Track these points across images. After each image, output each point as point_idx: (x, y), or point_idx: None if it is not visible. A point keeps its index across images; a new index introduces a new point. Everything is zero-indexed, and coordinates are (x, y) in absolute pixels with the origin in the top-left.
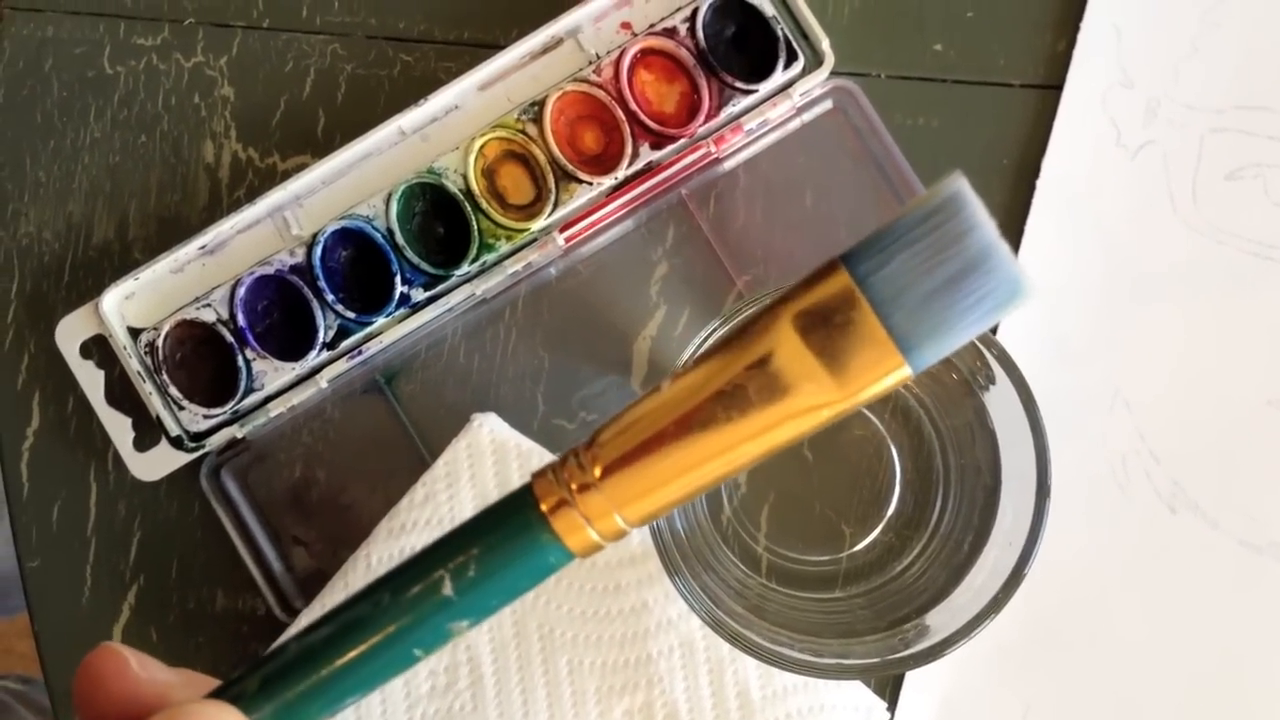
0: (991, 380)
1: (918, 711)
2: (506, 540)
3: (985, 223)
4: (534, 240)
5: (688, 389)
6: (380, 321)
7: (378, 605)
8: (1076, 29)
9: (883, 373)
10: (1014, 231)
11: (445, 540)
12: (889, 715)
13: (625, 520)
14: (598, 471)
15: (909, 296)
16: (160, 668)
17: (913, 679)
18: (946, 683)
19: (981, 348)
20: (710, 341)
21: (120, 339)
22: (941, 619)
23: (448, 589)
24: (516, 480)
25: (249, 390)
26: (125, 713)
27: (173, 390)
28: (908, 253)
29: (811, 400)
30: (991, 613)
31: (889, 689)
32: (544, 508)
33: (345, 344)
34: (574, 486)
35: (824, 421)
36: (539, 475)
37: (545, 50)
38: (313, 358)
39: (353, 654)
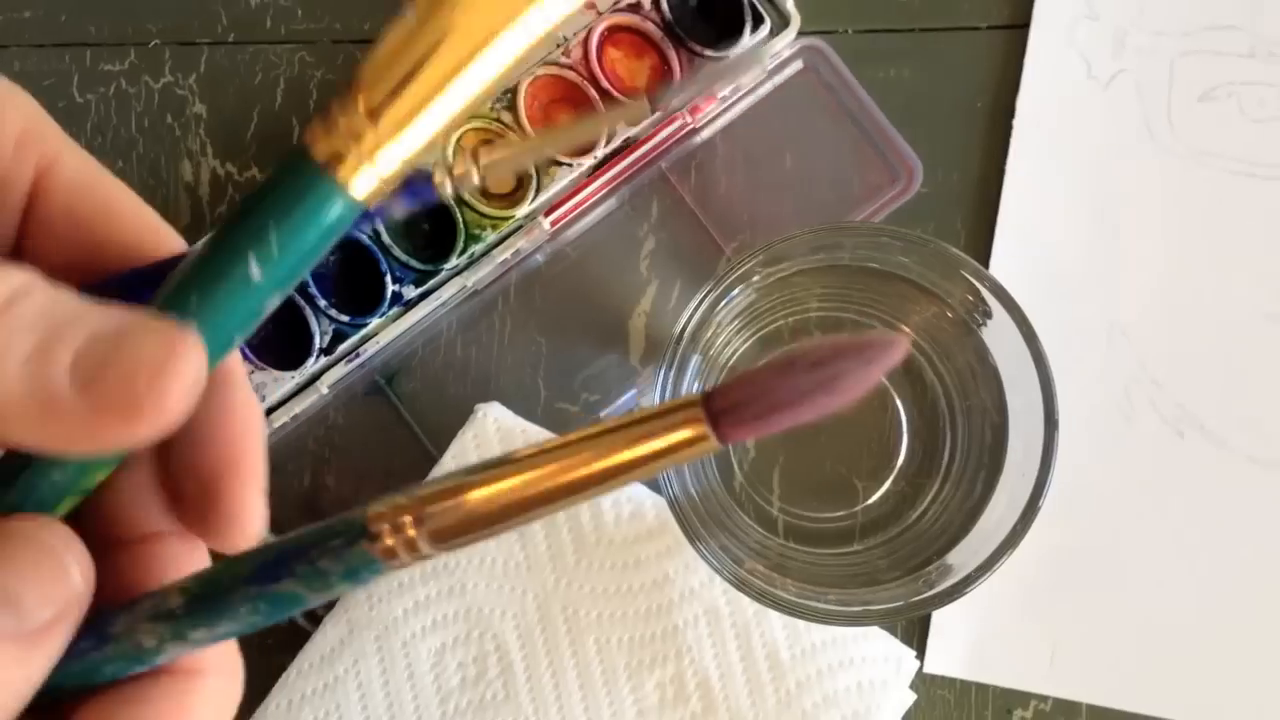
0: (988, 315)
1: (946, 658)
2: (297, 206)
3: None
4: (520, 227)
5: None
6: (375, 322)
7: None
8: None
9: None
10: (995, 172)
11: (236, 222)
12: (918, 663)
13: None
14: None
15: None
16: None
17: (939, 626)
18: (973, 628)
19: (979, 285)
20: (706, 303)
21: None
22: (962, 558)
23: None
24: None
25: None
26: None
27: None
28: None
29: None
30: (1010, 546)
31: (916, 638)
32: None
33: (342, 348)
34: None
35: None
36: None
37: None
38: (311, 365)
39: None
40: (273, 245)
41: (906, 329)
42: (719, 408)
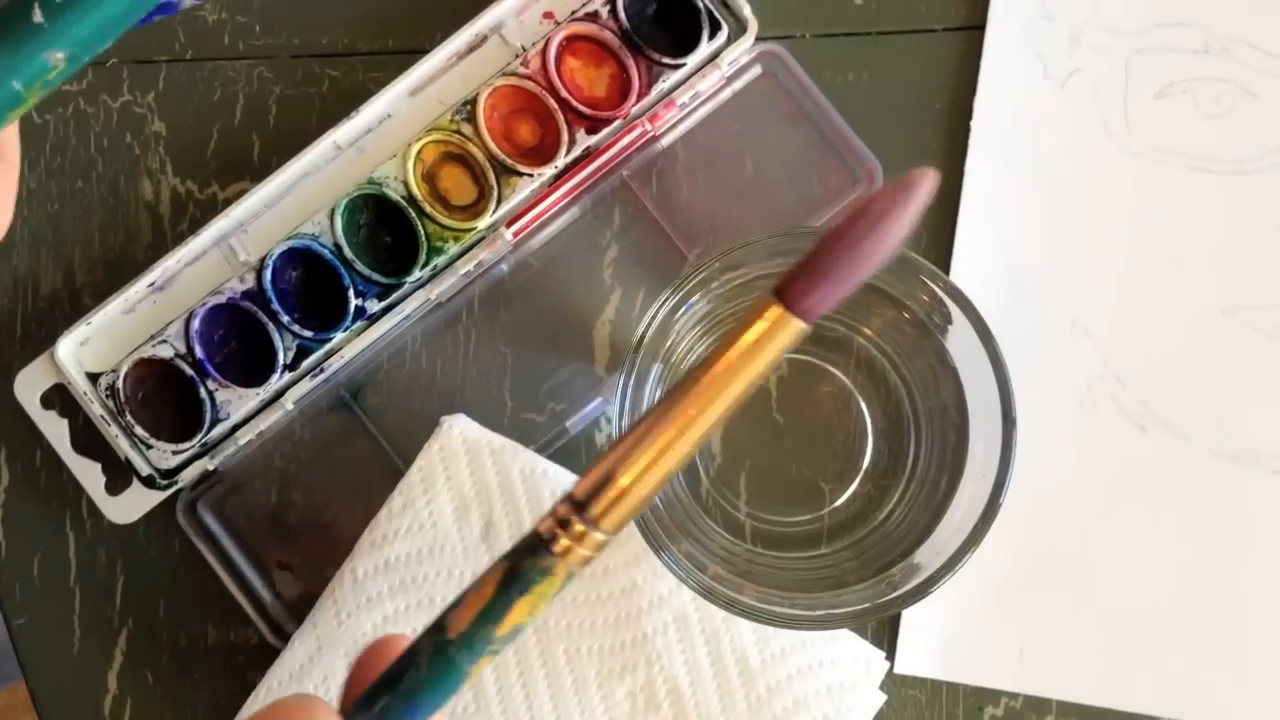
0: (948, 319)
1: (917, 658)
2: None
3: None
4: (482, 238)
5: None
6: (338, 337)
7: None
8: None
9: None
10: (955, 173)
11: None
12: (888, 664)
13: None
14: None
15: None
16: None
17: (909, 627)
18: (943, 628)
19: (935, 288)
20: (664, 311)
21: (80, 385)
22: (926, 557)
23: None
24: (493, 477)
25: (215, 421)
26: None
27: (138, 430)
28: None
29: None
30: (973, 545)
31: (886, 638)
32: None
33: (306, 363)
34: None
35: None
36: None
37: (471, 49)
38: (275, 381)
39: None
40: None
41: (869, 331)
42: (791, 296)
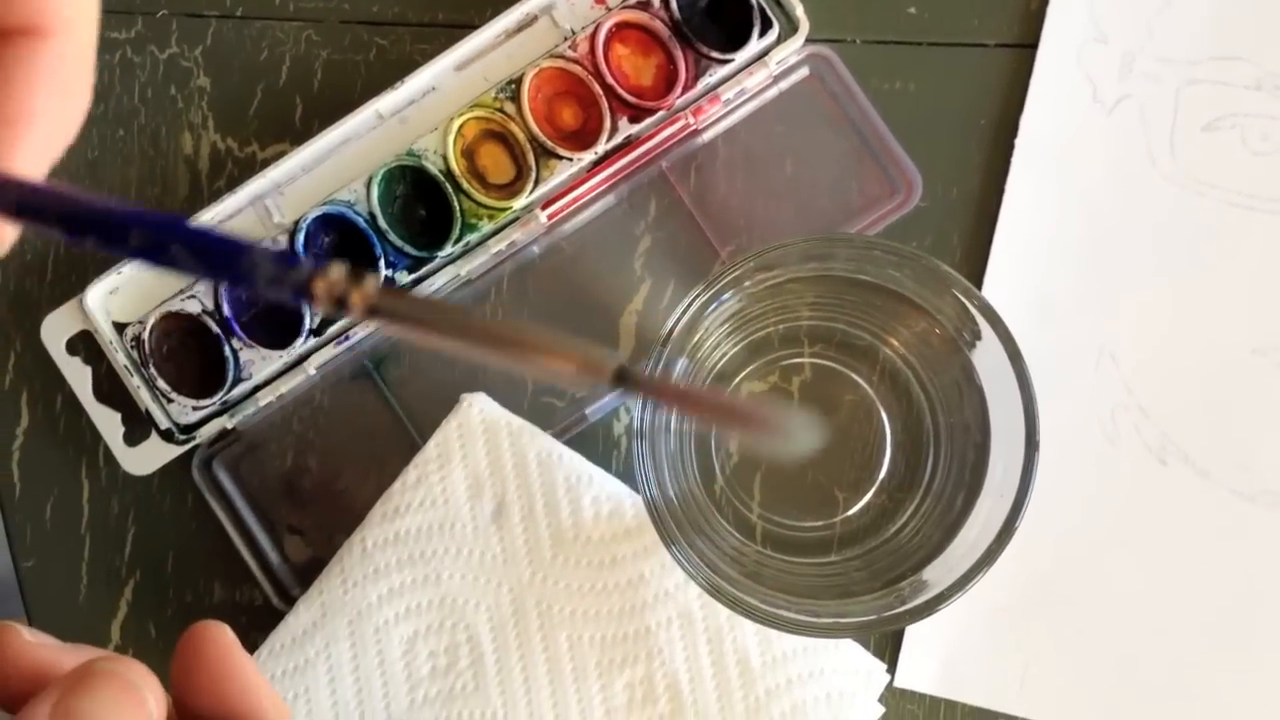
0: (978, 336)
1: (917, 673)
2: None
3: None
4: (516, 219)
5: None
6: None
7: None
8: None
9: None
10: (994, 191)
11: None
12: (889, 677)
13: None
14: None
15: None
16: (54, 641)
17: (912, 641)
18: (946, 645)
19: (967, 304)
20: (695, 306)
21: (106, 334)
22: (937, 574)
23: None
24: (509, 459)
25: (237, 380)
26: (23, 681)
27: (161, 383)
28: None
29: None
30: (985, 565)
31: (888, 651)
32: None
33: (331, 330)
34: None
35: None
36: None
37: (520, 28)
38: (300, 345)
39: None
40: None
41: (895, 342)
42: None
